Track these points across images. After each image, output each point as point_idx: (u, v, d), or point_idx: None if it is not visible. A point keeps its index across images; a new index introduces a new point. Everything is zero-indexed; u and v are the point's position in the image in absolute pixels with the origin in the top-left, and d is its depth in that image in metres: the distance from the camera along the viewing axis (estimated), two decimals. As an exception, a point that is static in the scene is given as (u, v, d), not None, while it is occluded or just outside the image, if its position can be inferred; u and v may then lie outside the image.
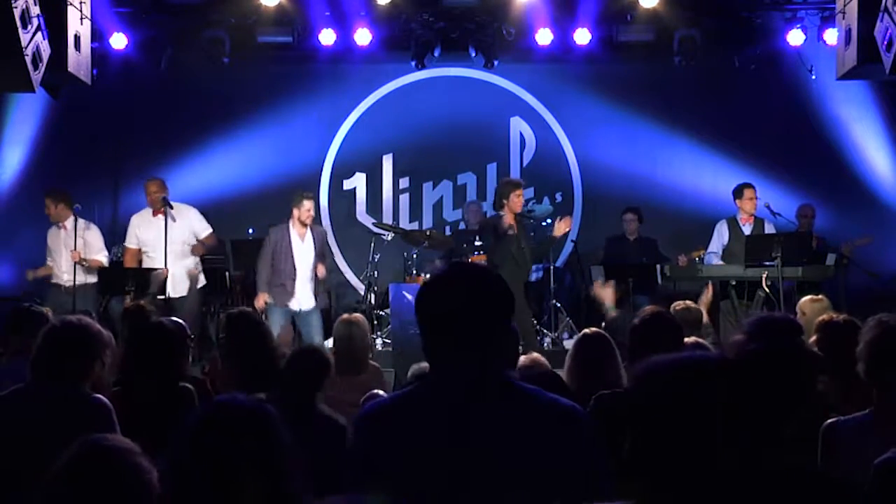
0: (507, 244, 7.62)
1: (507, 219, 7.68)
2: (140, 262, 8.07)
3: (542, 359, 4.13)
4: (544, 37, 9.40)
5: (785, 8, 9.37)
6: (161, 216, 7.90)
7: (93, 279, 7.99)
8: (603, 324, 7.20)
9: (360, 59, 9.94)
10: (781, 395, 2.12)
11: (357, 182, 10.67)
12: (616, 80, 10.39)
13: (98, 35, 8.99)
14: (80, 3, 7.33)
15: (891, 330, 2.86)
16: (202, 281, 8.30)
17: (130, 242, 8.15)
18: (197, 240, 8.17)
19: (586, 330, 4.21)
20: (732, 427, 1.57)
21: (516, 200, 7.74)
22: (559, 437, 1.93)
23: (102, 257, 8.18)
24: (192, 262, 8.15)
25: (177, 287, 7.96)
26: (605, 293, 5.58)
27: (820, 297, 5.37)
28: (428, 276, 7.86)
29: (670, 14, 9.24)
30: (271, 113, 10.43)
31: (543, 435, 1.93)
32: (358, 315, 5.71)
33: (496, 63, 9.82)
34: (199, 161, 10.22)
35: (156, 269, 7.75)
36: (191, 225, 8.12)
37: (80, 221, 7.96)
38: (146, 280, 7.63)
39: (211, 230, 8.27)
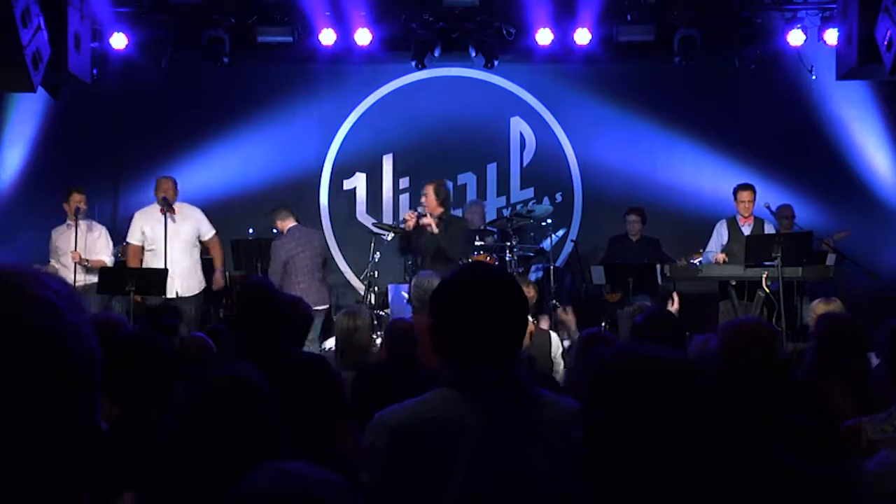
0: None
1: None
2: (142, 258, 8.10)
3: None
4: (544, 37, 9.40)
5: (785, 8, 9.36)
6: (163, 214, 7.94)
7: (94, 279, 8.01)
8: (604, 325, 7.22)
9: (360, 59, 9.94)
10: (765, 403, 2.12)
11: (357, 182, 10.66)
12: (616, 80, 10.38)
13: (98, 35, 9.00)
14: (81, 2, 7.33)
15: None
16: (203, 282, 8.31)
17: (134, 238, 8.18)
18: (201, 242, 8.21)
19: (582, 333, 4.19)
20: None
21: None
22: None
23: (106, 258, 8.22)
24: (195, 264, 8.19)
25: (180, 286, 7.97)
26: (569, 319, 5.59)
27: (833, 299, 5.35)
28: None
29: (670, 14, 9.24)
30: (271, 113, 10.42)
31: (568, 437, 1.93)
32: (360, 307, 5.72)
33: (496, 63, 9.81)
34: (199, 161, 10.21)
35: (157, 269, 7.77)
36: (196, 225, 8.17)
37: (84, 221, 8.12)
38: (147, 280, 7.64)
39: (215, 232, 8.31)
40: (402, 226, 7.77)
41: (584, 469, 1.56)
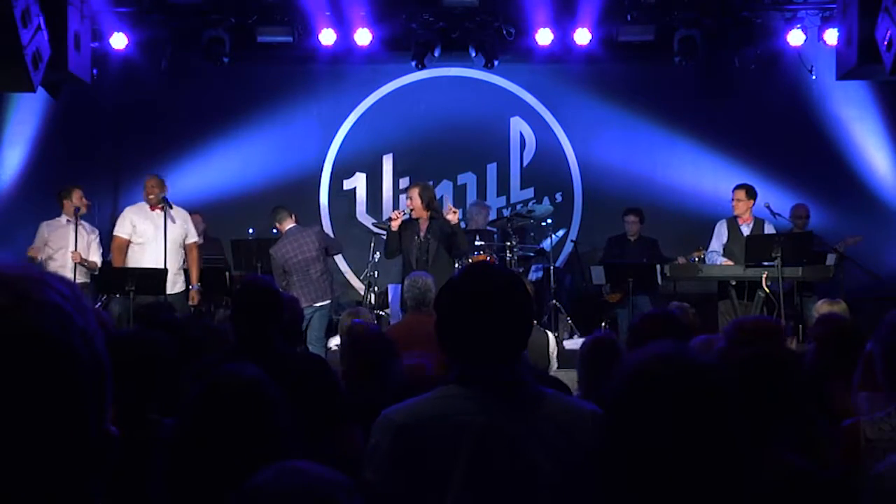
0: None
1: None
2: (126, 253, 7.99)
3: None
4: (544, 37, 9.40)
5: (785, 8, 9.36)
6: (160, 212, 7.88)
7: (89, 279, 8.00)
8: (604, 325, 7.21)
9: (360, 59, 9.94)
10: (773, 399, 2.12)
11: (357, 182, 10.67)
12: (616, 80, 10.38)
13: (98, 35, 9.00)
14: (81, 2, 7.33)
15: None
16: (182, 285, 8.23)
17: (123, 231, 8.01)
18: (184, 245, 8.14)
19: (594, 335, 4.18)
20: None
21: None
22: (589, 439, 1.93)
23: (98, 259, 8.22)
24: (180, 264, 8.13)
25: (172, 285, 7.95)
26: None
27: (838, 300, 5.35)
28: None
29: (670, 14, 9.25)
30: (271, 113, 10.43)
31: (571, 436, 1.93)
32: (362, 308, 5.72)
33: (496, 63, 9.81)
34: (199, 161, 10.22)
35: (156, 269, 7.75)
36: (185, 226, 8.12)
37: (83, 221, 8.08)
38: (146, 280, 7.63)
39: (197, 239, 8.25)
40: (389, 223, 7.72)
41: (601, 472, 1.55)
